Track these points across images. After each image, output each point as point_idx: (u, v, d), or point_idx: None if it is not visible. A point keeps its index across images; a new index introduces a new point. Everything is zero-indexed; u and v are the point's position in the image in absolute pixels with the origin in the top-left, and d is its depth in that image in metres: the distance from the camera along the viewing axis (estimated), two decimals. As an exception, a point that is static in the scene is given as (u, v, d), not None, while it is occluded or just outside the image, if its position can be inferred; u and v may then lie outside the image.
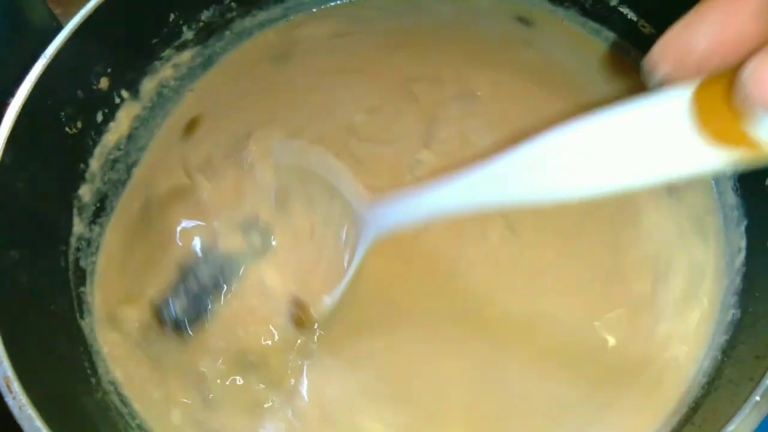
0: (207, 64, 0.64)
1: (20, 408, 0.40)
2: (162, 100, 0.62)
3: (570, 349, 0.50)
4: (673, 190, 0.54)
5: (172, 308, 0.52)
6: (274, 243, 0.54)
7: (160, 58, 0.61)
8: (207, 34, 0.63)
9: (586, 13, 0.62)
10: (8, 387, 0.41)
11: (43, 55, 0.50)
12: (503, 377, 0.49)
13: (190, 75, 0.63)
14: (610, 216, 0.54)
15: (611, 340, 0.50)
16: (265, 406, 0.50)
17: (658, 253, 0.52)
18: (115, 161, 0.59)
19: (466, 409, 0.49)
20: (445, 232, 0.54)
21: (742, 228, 0.51)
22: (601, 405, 0.48)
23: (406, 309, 0.52)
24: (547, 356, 0.50)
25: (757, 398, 0.38)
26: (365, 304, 0.52)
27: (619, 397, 0.48)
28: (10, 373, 0.41)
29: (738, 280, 0.50)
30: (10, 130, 0.47)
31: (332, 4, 0.66)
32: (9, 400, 0.40)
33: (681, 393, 0.48)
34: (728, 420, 0.38)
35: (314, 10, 0.66)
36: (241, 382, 0.50)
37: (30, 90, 0.49)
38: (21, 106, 0.48)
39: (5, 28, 0.58)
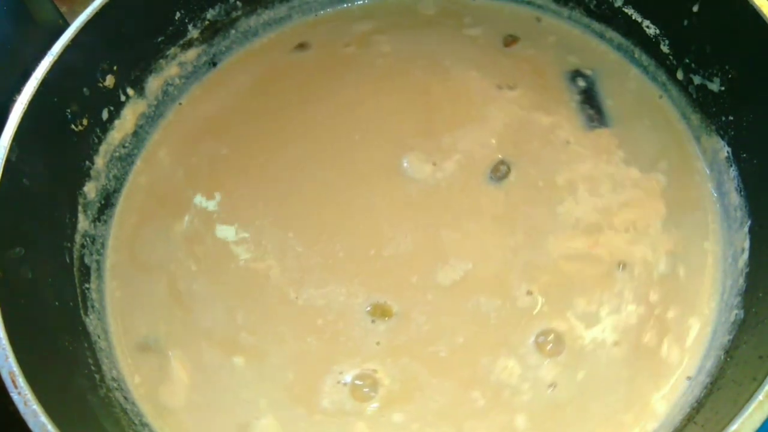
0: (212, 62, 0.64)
1: (25, 403, 0.40)
2: (167, 98, 0.62)
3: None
4: (676, 191, 0.54)
5: None
6: None
7: (166, 57, 0.61)
8: (212, 32, 0.64)
9: (591, 13, 0.62)
10: (13, 382, 0.41)
11: (49, 53, 0.50)
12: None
13: (195, 73, 0.64)
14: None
15: (614, 339, 0.50)
16: None
17: (660, 254, 0.53)
18: (120, 159, 0.59)
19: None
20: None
21: (746, 228, 0.51)
22: (603, 403, 0.48)
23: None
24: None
25: (760, 398, 0.38)
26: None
27: (621, 396, 0.48)
28: (16, 368, 0.41)
29: (741, 280, 0.50)
30: (16, 127, 0.48)
31: (338, 7, 0.67)
32: (14, 396, 0.40)
33: (683, 392, 0.48)
34: (731, 420, 0.38)
35: (321, 12, 0.67)
36: None
37: (36, 87, 0.49)
38: (27, 103, 0.48)
39: (12, 26, 0.58)
